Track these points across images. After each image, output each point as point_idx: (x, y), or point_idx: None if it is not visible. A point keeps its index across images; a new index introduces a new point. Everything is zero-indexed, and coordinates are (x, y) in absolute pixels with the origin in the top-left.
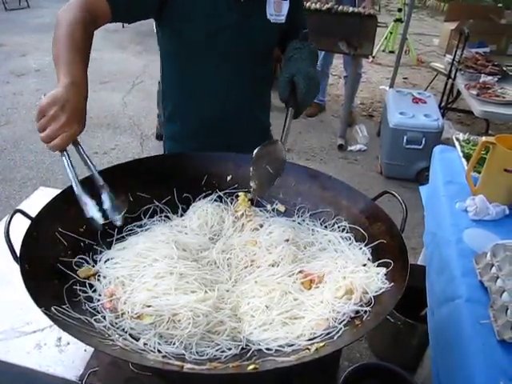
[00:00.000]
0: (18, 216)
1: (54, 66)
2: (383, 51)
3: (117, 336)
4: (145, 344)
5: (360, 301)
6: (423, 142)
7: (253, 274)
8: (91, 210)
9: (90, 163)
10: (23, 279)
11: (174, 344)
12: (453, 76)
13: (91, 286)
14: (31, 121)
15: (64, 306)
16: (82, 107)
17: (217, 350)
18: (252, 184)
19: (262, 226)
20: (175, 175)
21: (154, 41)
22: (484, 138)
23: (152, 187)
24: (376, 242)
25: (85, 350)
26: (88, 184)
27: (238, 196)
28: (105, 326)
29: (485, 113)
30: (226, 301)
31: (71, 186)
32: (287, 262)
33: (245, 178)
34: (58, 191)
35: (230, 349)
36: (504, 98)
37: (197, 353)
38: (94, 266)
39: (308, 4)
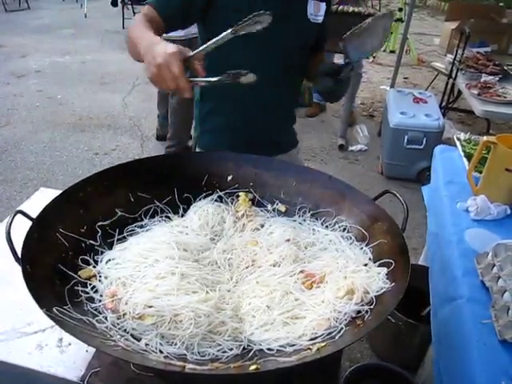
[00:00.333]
0: (19, 217)
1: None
2: (384, 51)
3: (118, 336)
4: (146, 344)
5: (361, 301)
6: (424, 141)
7: (254, 274)
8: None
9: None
10: (25, 280)
11: (175, 344)
12: (454, 76)
13: (93, 286)
14: (31, 122)
15: (66, 307)
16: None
17: (218, 351)
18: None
19: (262, 226)
20: (176, 175)
21: None
22: (485, 138)
23: (152, 187)
24: (377, 242)
25: (86, 351)
26: None
27: (238, 196)
28: (106, 327)
29: (486, 112)
30: (227, 301)
31: (71, 187)
32: (288, 261)
33: (245, 177)
34: (59, 192)
35: (231, 349)
36: (505, 97)
37: (198, 353)
38: (95, 267)
39: None
